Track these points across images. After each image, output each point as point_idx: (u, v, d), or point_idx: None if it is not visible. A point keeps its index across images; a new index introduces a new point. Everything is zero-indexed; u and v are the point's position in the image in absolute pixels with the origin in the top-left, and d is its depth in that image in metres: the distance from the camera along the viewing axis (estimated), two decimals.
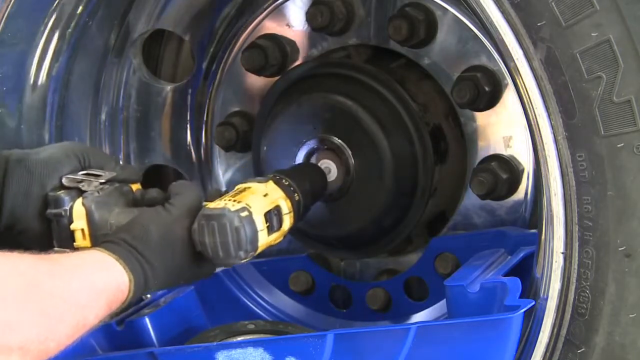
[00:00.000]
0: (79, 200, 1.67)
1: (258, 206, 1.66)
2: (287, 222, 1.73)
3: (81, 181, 1.70)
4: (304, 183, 1.83)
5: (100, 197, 1.67)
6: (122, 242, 1.54)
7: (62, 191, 1.69)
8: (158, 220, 1.59)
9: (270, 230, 1.68)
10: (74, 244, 1.67)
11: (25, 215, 1.70)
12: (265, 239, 1.66)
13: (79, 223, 1.66)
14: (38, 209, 1.70)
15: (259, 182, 1.74)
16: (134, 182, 1.77)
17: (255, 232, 1.63)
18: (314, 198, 1.90)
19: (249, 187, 1.71)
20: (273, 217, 1.69)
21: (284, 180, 1.78)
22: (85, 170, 1.74)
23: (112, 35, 2.22)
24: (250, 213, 1.63)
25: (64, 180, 1.71)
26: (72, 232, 1.67)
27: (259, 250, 1.66)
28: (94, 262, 1.49)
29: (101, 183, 1.71)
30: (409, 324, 1.68)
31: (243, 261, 1.64)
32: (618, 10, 1.44)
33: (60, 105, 2.16)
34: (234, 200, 1.64)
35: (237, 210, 1.61)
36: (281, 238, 1.74)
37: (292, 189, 1.78)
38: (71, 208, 1.67)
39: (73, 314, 1.38)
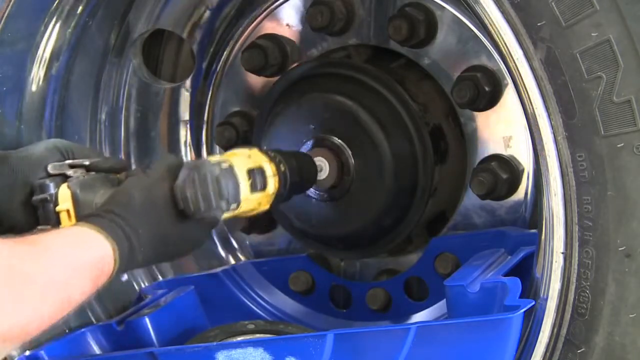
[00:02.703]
0: (64, 185, 1.68)
1: (240, 163, 1.67)
2: (272, 184, 1.73)
3: (67, 169, 1.71)
4: (290, 160, 1.83)
5: (85, 180, 1.68)
6: (104, 213, 1.53)
7: (48, 179, 1.69)
8: (138, 185, 1.59)
9: (253, 188, 1.68)
10: (60, 226, 1.66)
11: (11, 212, 1.70)
12: (247, 194, 1.66)
13: (64, 205, 1.66)
14: (24, 204, 1.70)
15: (242, 148, 1.76)
16: (119, 171, 1.77)
17: (236, 184, 1.63)
18: (301, 179, 1.89)
19: (233, 151, 1.73)
20: (256, 175, 1.69)
21: (269, 152, 1.79)
22: (70, 160, 1.75)
23: (112, 35, 2.22)
24: (232, 166, 1.63)
25: (49, 168, 1.71)
26: (57, 215, 1.67)
27: (243, 207, 1.65)
28: (73, 237, 1.47)
29: (87, 169, 1.71)
30: (409, 324, 1.68)
31: (226, 215, 1.63)
32: (618, 10, 1.44)
33: (60, 105, 2.16)
34: (217, 157, 1.66)
35: (218, 162, 1.62)
36: (267, 204, 1.74)
37: (277, 159, 1.78)
38: (56, 193, 1.67)
39: (55, 294, 1.37)
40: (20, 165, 1.71)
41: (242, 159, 1.69)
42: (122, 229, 1.51)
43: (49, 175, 1.71)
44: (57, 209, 1.66)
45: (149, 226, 1.55)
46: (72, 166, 1.72)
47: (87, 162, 1.72)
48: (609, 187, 1.49)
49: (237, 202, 1.63)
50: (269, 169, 1.74)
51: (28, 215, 1.70)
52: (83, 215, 1.64)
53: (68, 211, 1.66)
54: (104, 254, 1.47)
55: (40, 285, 1.35)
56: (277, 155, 1.80)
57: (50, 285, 1.37)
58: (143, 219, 1.54)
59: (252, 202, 1.69)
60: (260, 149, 1.78)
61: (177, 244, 1.64)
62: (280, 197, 1.78)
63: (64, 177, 1.70)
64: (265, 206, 1.74)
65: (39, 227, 1.68)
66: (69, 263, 1.41)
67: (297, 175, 1.84)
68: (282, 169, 1.78)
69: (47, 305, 1.36)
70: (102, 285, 1.47)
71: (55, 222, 1.67)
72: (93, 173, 1.71)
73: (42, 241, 1.43)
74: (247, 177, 1.66)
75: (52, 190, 1.68)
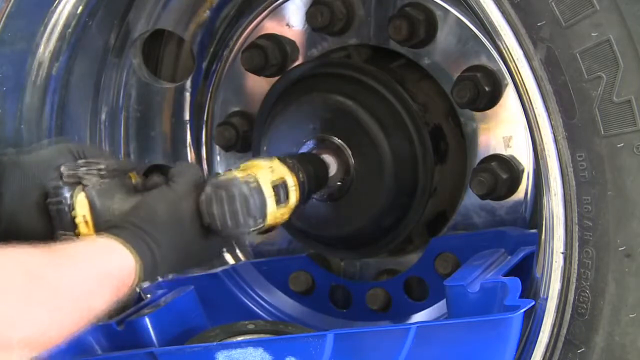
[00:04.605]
0: (81, 191, 1.67)
1: (265, 177, 1.67)
2: (294, 196, 1.74)
3: (80, 169, 1.70)
4: (307, 166, 1.84)
5: (101, 185, 1.67)
6: (129, 225, 1.54)
7: (62, 181, 1.68)
8: (163, 199, 1.59)
9: (278, 202, 1.69)
10: (77, 232, 1.66)
11: (26, 216, 1.69)
12: (273, 209, 1.67)
13: (81, 211, 1.65)
14: (38, 210, 1.69)
15: (263, 159, 1.76)
16: (132, 170, 1.77)
17: (263, 201, 1.63)
18: (317, 183, 1.90)
19: (255, 164, 1.72)
20: (280, 189, 1.70)
21: (288, 160, 1.79)
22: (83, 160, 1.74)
23: (112, 35, 2.22)
24: (259, 183, 1.63)
25: (62, 170, 1.70)
26: (74, 222, 1.66)
27: (268, 222, 1.66)
28: (98, 248, 1.48)
29: (101, 171, 1.70)
30: (409, 324, 1.68)
31: (252, 230, 1.63)
32: (618, 10, 1.44)
33: (60, 105, 2.16)
34: (241, 172, 1.65)
35: (245, 179, 1.62)
36: (287, 215, 1.74)
37: (296, 168, 1.79)
38: (72, 197, 1.66)
39: (77, 303, 1.38)
40: (32, 168, 1.70)
41: (266, 173, 1.69)
42: (146, 243, 1.52)
43: (62, 178, 1.70)
44: (74, 215, 1.66)
45: (173, 241, 1.57)
46: (85, 165, 1.71)
47: (102, 165, 1.70)
48: (609, 187, 1.49)
49: (264, 219, 1.64)
50: (291, 181, 1.74)
51: (43, 220, 1.68)
52: (102, 222, 1.64)
53: (84, 217, 1.66)
54: (126, 266, 1.48)
55: (61, 293, 1.36)
56: (295, 163, 1.79)
57: (71, 293, 1.37)
58: (167, 234, 1.56)
59: (276, 216, 1.69)
60: (280, 159, 1.78)
61: (199, 256, 1.67)
62: (299, 207, 1.79)
63: (78, 181, 1.69)
64: (286, 217, 1.74)
65: (60, 232, 1.66)
66: (91, 273, 1.42)
67: (314, 181, 1.86)
68: (302, 178, 1.79)
69: (68, 313, 1.36)
70: (122, 296, 1.49)
71: (72, 229, 1.66)
72: (107, 174, 1.71)
73: (65, 250, 1.44)
74: (272, 192, 1.67)
75: (67, 195, 1.66)
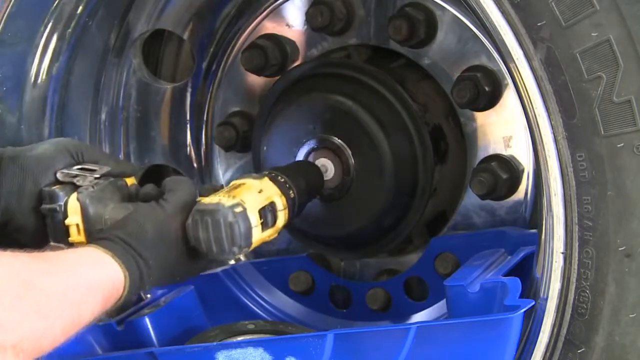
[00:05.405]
0: (74, 195, 1.67)
1: (252, 202, 1.66)
2: (282, 218, 1.74)
3: (76, 176, 1.70)
4: (299, 180, 1.83)
5: (94, 192, 1.67)
6: (117, 239, 1.55)
7: (57, 186, 1.69)
8: (153, 217, 1.60)
9: (265, 226, 1.68)
10: (69, 239, 1.67)
11: (19, 212, 1.70)
12: (259, 235, 1.67)
13: (74, 218, 1.66)
14: (32, 206, 1.70)
15: (254, 178, 1.75)
16: (129, 176, 1.77)
17: (249, 228, 1.63)
18: (309, 195, 1.90)
19: (244, 183, 1.72)
20: (267, 213, 1.69)
21: (279, 177, 1.78)
22: (79, 165, 1.74)
23: (112, 35, 2.22)
24: (245, 209, 1.63)
25: (58, 175, 1.71)
26: (66, 227, 1.67)
27: (253, 246, 1.66)
28: (89, 259, 1.50)
29: (96, 178, 1.70)
30: (409, 324, 1.68)
31: (237, 256, 1.64)
32: (618, 10, 1.44)
33: (60, 105, 2.16)
34: (229, 196, 1.65)
35: (232, 206, 1.61)
36: (275, 235, 1.74)
37: (287, 185, 1.78)
38: (66, 203, 1.67)
39: (68, 312, 1.39)
40: (30, 165, 1.71)
41: (254, 196, 1.68)
42: (135, 259, 1.54)
43: (58, 182, 1.70)
44: (67, 222, 1.67)
45: (159, 258, 1.58)
46: (80, 172, 1.71)
47: (97, 175, 1.71)
48: (609, 187, 1.49)
49: (249, 245, 1.64)
50: (280, 203, 1.74)
51: (36, 219, 1.70)
52: (94, 230, 1.65)
53: (77, 225, 1.66)
54: (116, 279, 1.50)
55: (53, 301, 1.37)
56: (286, 180, 1.79)
57: (63, 302, 1.38)
58: (154, 252, 1.57)
59: (263, 239, 1.69)
60: (270, 176, 1.77)
61: (185, 274, 1.69)
62: (289, 224, 1.79)
63: (73, 185, 1.69)
64: (274, 236, 1.74)
65: (52, 244, 1.68)
66: (83, 283, 1.44)
67: (305, 195, 1.85)
68: (292, 195, 1.78)
69: (60, 322, 1.37)
70: (109, 308, 1.51)
71: (64, 234, 1.67)
72: (102, 179, 1.71)
73: (58, 259, 1.45)
74: (258, 217, 1.66)
75: (61, 201, 1.67)
